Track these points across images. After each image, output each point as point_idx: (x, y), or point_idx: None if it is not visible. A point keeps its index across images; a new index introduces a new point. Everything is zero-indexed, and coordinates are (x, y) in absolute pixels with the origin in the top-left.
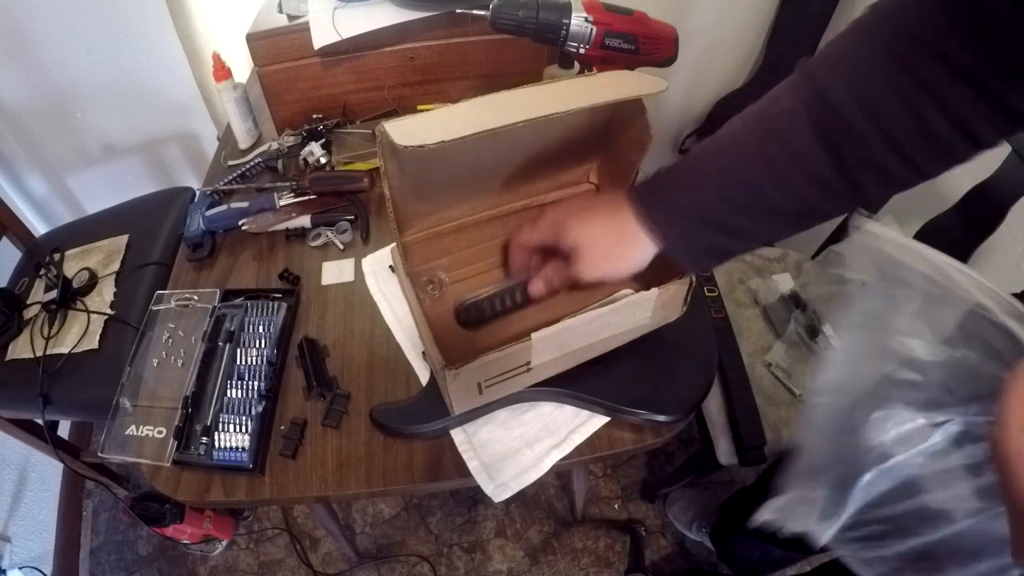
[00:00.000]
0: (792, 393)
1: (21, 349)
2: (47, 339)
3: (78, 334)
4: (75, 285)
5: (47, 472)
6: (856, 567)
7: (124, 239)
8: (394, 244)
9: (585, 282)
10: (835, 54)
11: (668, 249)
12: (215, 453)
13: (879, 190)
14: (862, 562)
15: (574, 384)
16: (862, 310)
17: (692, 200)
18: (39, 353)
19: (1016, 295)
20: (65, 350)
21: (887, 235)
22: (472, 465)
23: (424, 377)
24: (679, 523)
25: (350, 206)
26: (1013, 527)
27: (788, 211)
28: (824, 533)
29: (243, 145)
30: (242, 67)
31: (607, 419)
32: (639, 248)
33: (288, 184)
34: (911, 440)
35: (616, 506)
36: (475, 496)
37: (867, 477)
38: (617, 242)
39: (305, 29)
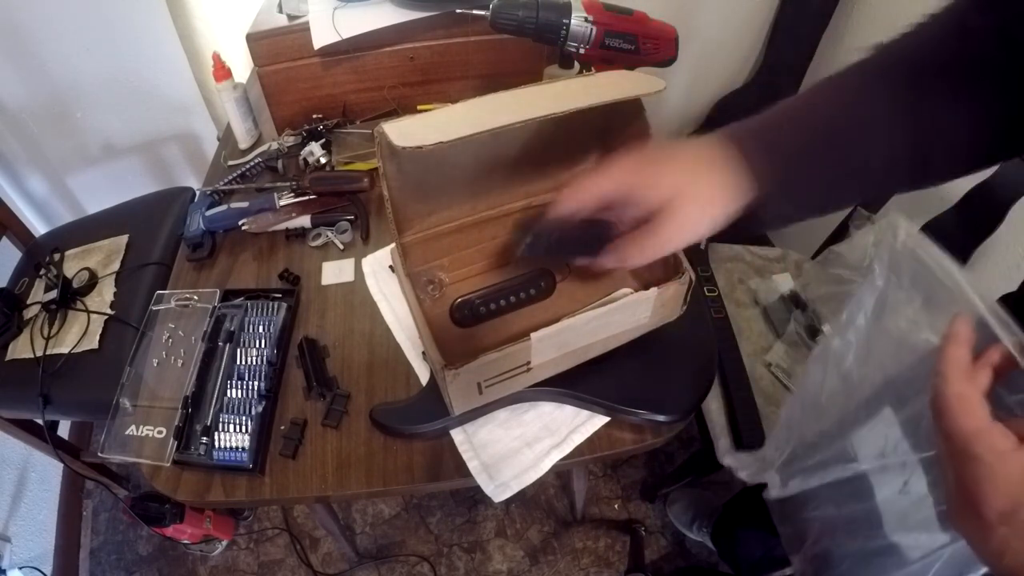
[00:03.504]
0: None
1: (21, 349)
2: (47, 339)
3: (78, 334)
4: (75, 285)
5: (47, 472)
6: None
7: (124, 239)
8: (394, 244)
9: (667, 252)
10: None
11: (757, 200)
12: (215, 453)
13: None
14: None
15: (574, 384)
16: (862, 306)
17: (792, 148)
18: (39, 353)
19: (1009, 295)
20: (65, 350)
21: (906, 231)
22: (472, 465)
23: (424, 377)
24: (679, 523)
25: (350, 206)
26: (951, 479)
27: (864, 176)
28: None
29: (243, 145)
30: (242, 67)
31: (607, 419)
32: (735, 200)
33: (288, 184)
34: (887, 469)
35: (616, 506)
36: (475, 496)
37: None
38: (718, 193)
39: (305, 29)
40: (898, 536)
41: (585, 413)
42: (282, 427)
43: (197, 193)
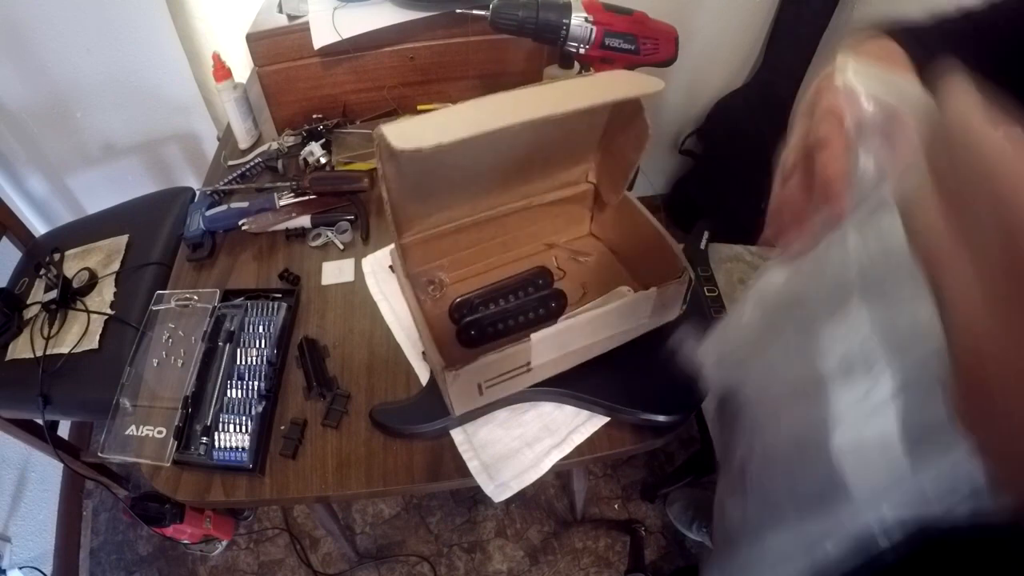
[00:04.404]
0: None
1: (21, 349)
2: (47, 339)
3: (78, 334)
4: (75, 285)
5: (47, 472)
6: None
7: (124, 239)
8: (393, 245)
9: None
10: None
11: None
12: (215, 453)
13: None
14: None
15: (574, 384)
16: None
17: None
18: (39, 353)
19: None
20: (65, 350)
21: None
22: (472, 465)
23: (424, 377)
24: (679, 523)
25: (350, 206)
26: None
27: None
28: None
29: (243, 145)
30: (242, 67)
31: (607, 419)
32: None
33: (288, 184)
34: (852, 373)
35: (616, 506)
36: (475, 496)
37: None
38: None
39: (305, 29)
40: (845, 459)
41: (585, 413)
42: (282, 427)
43: (197, 193)
